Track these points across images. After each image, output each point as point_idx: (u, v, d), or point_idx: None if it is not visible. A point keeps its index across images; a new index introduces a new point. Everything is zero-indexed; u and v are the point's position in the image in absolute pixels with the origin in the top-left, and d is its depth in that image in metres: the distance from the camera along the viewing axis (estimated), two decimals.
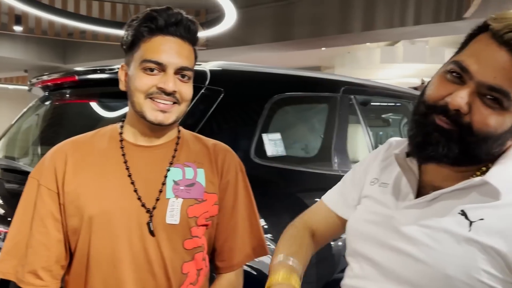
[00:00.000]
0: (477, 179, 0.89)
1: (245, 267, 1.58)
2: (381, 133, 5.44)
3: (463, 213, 0.89)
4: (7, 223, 1.32)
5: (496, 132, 0.86)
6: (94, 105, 2.16)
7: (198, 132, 1.39)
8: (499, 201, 0.87)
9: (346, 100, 2.43)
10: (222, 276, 1.30)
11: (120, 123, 1.26)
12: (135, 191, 1.16)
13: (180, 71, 1.15)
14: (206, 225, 1.22)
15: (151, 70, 1.13)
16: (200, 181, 1.22)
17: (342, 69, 12.73)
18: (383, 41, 11.07)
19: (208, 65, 1.98)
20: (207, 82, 1.89)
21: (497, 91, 0.83)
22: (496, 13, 0.88)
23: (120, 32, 1.22)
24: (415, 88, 6.05)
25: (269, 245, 1.76)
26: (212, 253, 1.31)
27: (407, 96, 3.12)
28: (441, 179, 0.96)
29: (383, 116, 4.34)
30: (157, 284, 1.15)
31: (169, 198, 1.17)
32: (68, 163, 1.19)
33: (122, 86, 1.22)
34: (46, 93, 2.38)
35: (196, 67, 1.31)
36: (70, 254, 1.20)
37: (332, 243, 1.99)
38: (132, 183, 1.17)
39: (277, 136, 2.07)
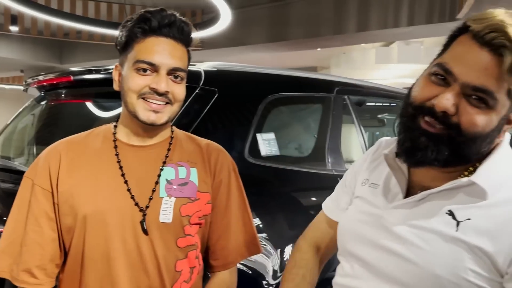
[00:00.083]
0: (464, 180, 0.90)
1: (240, 266, 1.59)
2: (377, 133, 5.46)
3: (451, 213, 0.90)
4: (3, 223, 1.33)
5: (484, 131, 0.87)
6: (89, 105, 2.17)
7: (192, 132, 1.41)
8: (486, 201, 0.89)
9: (339, 100, 2.44)
10: (216, 275, 1.31)
11: (114, 123, 1.27)
12: (129, 190, 1.17)
13: (172, 72, 1.16)
14: (199, 224, 1.24)
15: (144, 70, 1.15)
16: (193, 180, 1.23)
17: (337, 69, 12.76)
18: (377, 41, 11.09)
19: (202, 66, 1.99)
20: (201, 82, 1.90)
21: (481, 91, 0.85)
22: (474, 14, 0.90)
23: (116, 33, 1.23)
24: None
25: (265, 245, 1.79)
26: (206, 252, 1.32)
27: (401, 96, 3.13)
28: (429, 179, 0.97)
29: (378, 116, 4.35)
30: (150, 281, 1.16)
31: (162, 197, 1.19)
32: (62, 163, 1.20)
33: (116, 86, 1.24)
34: (42, 93, 2.39)
35: (191, 68, 1.33)
36: (65, 253, 1.21)
37: None
38: (126, 182, 1.18)
39: (271, 136, 2.08)
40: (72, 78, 2.07)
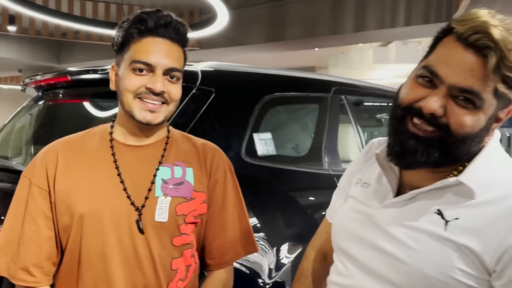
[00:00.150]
0: (452, 179, 0.91)
1: (237, 265, 1.60)
2: (376, 133, 5.47)
3: (439, 213, 0.91)
4: (0, 221, 1.34)
5: (473, 131, 0.88)
6: (86, 105, 2.17)
7: (189, 132, 1.42)
8: (474, 200, 0.89)
9: (336, 100, 2.45)
10: (212, 274, 1.32)
11: (111, 123, 1.28)
12: (125, 189, 1.18)
13: (168, 72, 1.17)
14: (194, 223, 1.24)
15: (140, 70, 1.16)
16: (189, 180, 1.24)
17: (335, 69, 12.76)
18: (374, 41, 11.11)
19: (199, 66, 2.00)
20: (198, 82, 1.90)
21: (468, 92, 0.86)
22: (459, 15, 0.91)
23: (114, 33, 1.23)
24: None
25: (262, 244, 1.79)
26: (203, 251, 1.32)
27: None
28: (419, 179, 0.98)
29: (376, 116, 4.36)
30: (146, 280, 1.17)
31: (158, 197, 1.20)
32: (59, 162, 1.21)
33: (112, 86, 1.25)
34: (39, 93, 2.39)
35: (187, 68, 1.33)
36: (61, 251, 1.22)
37: None
38: (122, 182, 1.19)
39: (268, 135, 2.08)
40: (69, 78, 2.08)
